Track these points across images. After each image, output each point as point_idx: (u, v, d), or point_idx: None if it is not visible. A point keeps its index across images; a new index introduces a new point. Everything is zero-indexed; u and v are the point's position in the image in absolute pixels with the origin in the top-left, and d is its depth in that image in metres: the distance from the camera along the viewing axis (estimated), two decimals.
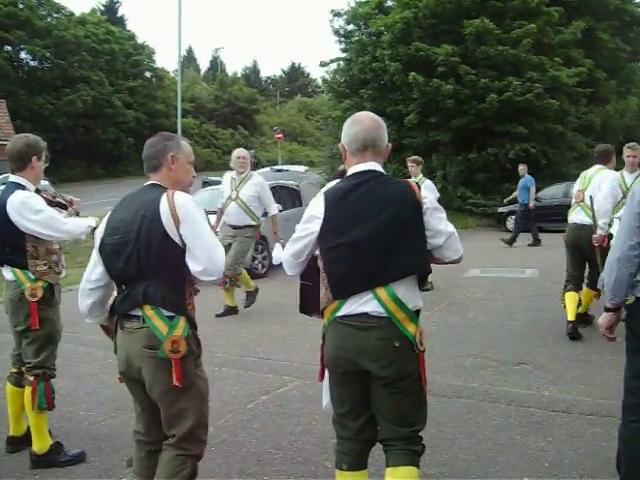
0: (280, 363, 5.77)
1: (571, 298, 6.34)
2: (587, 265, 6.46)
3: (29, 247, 3.65)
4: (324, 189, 3.03)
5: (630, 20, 26.08)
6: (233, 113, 60.12)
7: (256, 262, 10.61)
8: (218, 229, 7.60)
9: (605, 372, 5.17)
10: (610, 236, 5.88)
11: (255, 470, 3.67)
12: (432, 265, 2.78)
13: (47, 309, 3.72)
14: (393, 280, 2.59)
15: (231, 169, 7.88)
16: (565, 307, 6.36)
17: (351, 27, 25.50)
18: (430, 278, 8.28)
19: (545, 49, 21.49)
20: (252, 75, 78.05)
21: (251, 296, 7.89)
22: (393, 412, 2.65)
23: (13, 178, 3.72)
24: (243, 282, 7.84)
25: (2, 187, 3.82)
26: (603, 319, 2.99)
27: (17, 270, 3.69)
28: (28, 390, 3.71)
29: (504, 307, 7.93)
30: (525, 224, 14.64)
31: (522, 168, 15.08)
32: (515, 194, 15.36)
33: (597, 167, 6.43)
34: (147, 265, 2.64)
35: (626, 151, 6.56)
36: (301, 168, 29.81)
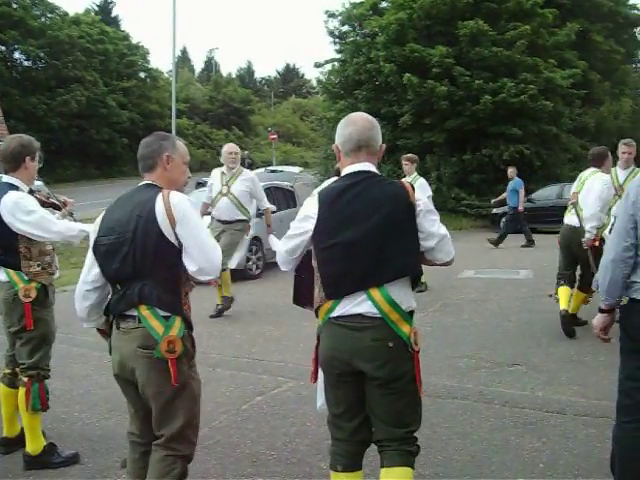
0: (274, 364, 5.76)
1: (564, 291, 6.44)
2: (579, 267, 6.53)
3: (22, 248, 3.64)
4: (318, 189, 3.01)
5: (624, 22, 26.23)
6: (227, 114, 59.97)
7: (250, 263, 10.62)
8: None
9: (599, 373, 5.18)
10: (602, 239, 5.93)
11: (249, 471, 3.67)
12: (426, 266, 2.78)
13: (41, 310, 3.71)
14: (387, 281, 2.59)
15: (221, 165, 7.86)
16: (558, 301, 6.43)
17: (346, 28, 25.53)
18: (424, 279, 8.29)
19: (539, 51, 21.54)
20: (246, 76, 77.90)
21: (227, 301, 7.70)
22: (388, 413, 2.65)
23: (6, 178, 3.71)
24: (223, 284, 7.57)
25: None
26: (597, 320, 3.00)
27: (10, 271, 3.67)
28: (22, 391, 3.69)
29: (498, 308, 7.94)
30: (514, 226, 14.57)
31: (511, 171, 14.95)
32: (504, 195, 15.24)
33: (591, 170, 6.47)
34: (143, 265, 2.64)
35: (621, 147, 6.59)
36: (295, 169, 29.92)
